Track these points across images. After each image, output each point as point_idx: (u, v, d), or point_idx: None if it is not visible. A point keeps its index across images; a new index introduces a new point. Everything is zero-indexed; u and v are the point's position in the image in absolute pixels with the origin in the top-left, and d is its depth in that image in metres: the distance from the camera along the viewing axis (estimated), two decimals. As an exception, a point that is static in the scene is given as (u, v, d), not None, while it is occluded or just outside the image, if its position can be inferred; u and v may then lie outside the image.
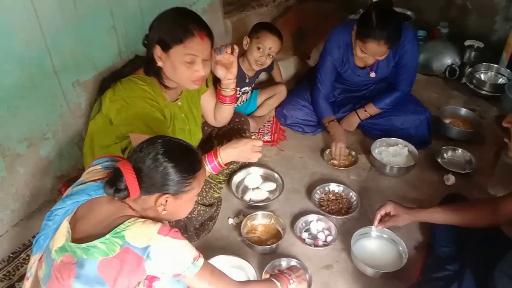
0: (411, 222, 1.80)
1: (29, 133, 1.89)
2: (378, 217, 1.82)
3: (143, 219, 1.15)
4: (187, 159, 1.21)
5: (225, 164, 1.65)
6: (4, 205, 1.88)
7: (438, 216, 1.70)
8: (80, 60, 2.02)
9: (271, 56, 2.33)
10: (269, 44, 2.28)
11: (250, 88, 2.54)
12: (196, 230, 1.88)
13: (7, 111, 1.77)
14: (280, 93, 2.61)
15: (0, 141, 1.78)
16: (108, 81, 1.69)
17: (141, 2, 2.26)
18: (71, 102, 2.04)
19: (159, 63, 1.61)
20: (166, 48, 1.57)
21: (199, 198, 1.88)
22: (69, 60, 1.96)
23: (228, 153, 1.63)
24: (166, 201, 1.18)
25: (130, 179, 1.13)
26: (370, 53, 2.13)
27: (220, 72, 1.81)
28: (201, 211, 1.85)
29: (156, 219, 1.20)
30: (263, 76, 2.85)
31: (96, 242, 1.09)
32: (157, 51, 1.59)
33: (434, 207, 1.75)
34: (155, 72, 1.66)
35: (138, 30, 2.27)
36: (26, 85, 1.81)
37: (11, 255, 1.85)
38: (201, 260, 1.18)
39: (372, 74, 2.38)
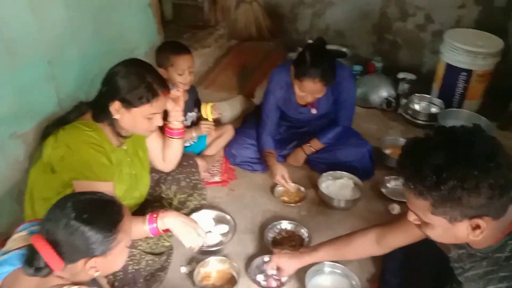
0: (302, 266, 1.78)
1: (-39, 191, 1.77)
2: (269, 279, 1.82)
3: (76, 286, 1.10)
4: (104, 215, 1.14)
5: (164, 231, 1.61)
6: None
7: (321, 255, 1.71)
8: (18, 111, 1.93)
9: (192, 72, 2.30)
10: (186, 64, 2.24)
11: (194, 114, 2.53)
12: (146, 282, 1.81)
13: None
14: (228, 132, 2.64)
15: None
16: (51, 127, 1.65)
17: (81, 50, 2.23)
18: (8, 155, 1.94)
19: (116, 116, 1.62)
20: (129, 106, 1.59)
21: (147, 247, 1.83)
22: (6, 111, 1.87)
23: (169, 219, 1.60)
24: (95, 262, 1.13)
25: (47, 255, 1.07)
26: (308, 91, 2.22)
27: (168, 105, 1.85)
28: (150, 261, 1.79)
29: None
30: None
31: None
32: (116, 105, 1.59)
33: (315, 246, 1.76)
34: (108, 121, 1.65)
35: (78, 78, 2.25)
36: (-42, 140, 1.71)
37: None
38: None
39: (314, 111, 2.47)
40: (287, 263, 1.75)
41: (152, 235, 1.61)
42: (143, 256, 1.76)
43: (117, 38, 2.54)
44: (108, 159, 1.62)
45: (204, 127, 2.43)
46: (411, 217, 1.18)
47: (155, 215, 1.59)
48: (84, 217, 1.09)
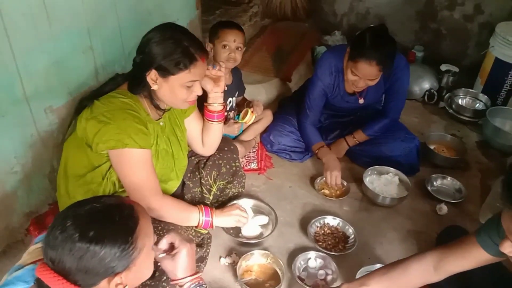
0: None
1: (-6, 168, 1.66)
2: None
3: None
4: (114, 225, 0.95)
5: (211, 226, 1.75)
6: (-38, 250, 1.63)
7: None
8: (54, 84, 1.81)
9: (239, 49, 2.19)
10: (232, 37, 2.16)
11: (234, 99, 2.40)
12: (186, 273, 1.71)
13: (-31, 144, 1.54)
14: (266, 117, 2.50)
15: (-40, 177, 1.54)
16: (86, 100, 1.54)
17: (120, 20, 2.09)
18: (43, 130, 1.83)
19: (154, 87, 1.51)
20: (166, 74, 1.49)
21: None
22: (42, 84, 1.76)
23: (220, 218, 1.78)
24: (121, 278, 0.97)
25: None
26: (361, 75, 2.03)
27: (208, 85, 1.75)
28: (192, 253, 1.69)
29: None
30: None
31: None
32: (153, 75, 1.49)
33: (363, 279, 1.51)
34: (145, 92, 1.56)
35: (116, 50, 2.12)
36: (-8, 114, 1.59)
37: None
38: None
39: (361, 101, 2.32)
40: None
41: (203, 228, 1.72)
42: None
43: (156, 10, 2.39)
44: (145, 126, 1.52)
45: (236, 129, 2.41)
46: (507, 249, 1.08)
47: (211, 211, 1.73)
48: (90, 236, 0.91)
